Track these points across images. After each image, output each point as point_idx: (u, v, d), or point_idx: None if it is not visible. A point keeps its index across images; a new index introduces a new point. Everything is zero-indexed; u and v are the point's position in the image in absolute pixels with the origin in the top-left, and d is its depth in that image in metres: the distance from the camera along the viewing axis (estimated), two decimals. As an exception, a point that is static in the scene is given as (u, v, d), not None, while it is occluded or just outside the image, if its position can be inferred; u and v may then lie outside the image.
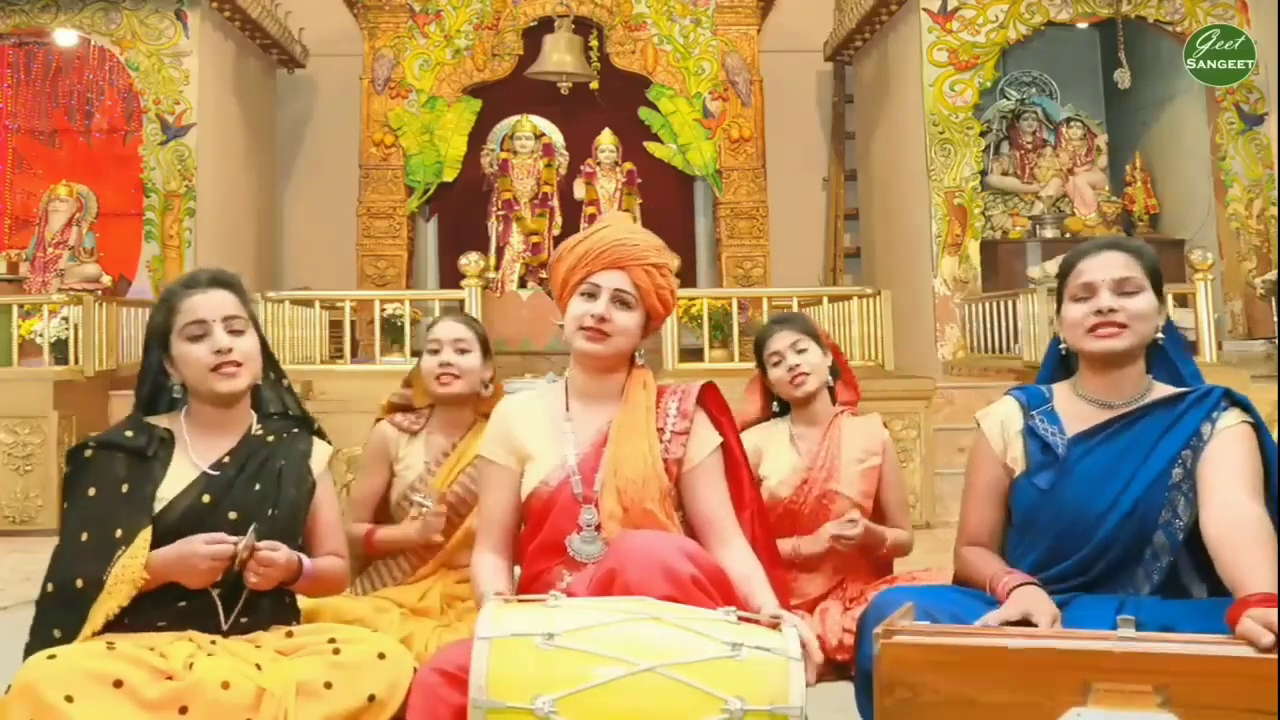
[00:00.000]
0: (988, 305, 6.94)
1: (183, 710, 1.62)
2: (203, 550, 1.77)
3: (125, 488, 1.87)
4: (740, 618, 1.57)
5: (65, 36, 7.77)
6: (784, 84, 8.94)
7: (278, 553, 1.81)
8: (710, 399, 1.99)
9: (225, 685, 1.65)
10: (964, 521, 1.99)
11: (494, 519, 1.96)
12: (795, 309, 6.49)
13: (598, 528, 1.86)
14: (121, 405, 5.73)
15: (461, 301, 6.17)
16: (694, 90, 8.30)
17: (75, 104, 8.29)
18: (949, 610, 1.73)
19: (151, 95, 7.59)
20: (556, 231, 7.83)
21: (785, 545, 2.44)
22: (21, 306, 6.27)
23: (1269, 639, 1.41)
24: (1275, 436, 1.81)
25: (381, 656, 1.74)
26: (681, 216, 8.53)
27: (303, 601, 2.07)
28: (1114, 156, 8.45)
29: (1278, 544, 1.64)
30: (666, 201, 8.21)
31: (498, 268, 7.68)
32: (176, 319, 1.92)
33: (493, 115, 8.32)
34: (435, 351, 2.50)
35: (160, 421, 1.96)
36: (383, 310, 6.78)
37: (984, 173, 7.93)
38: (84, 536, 1.83)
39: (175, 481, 1.89)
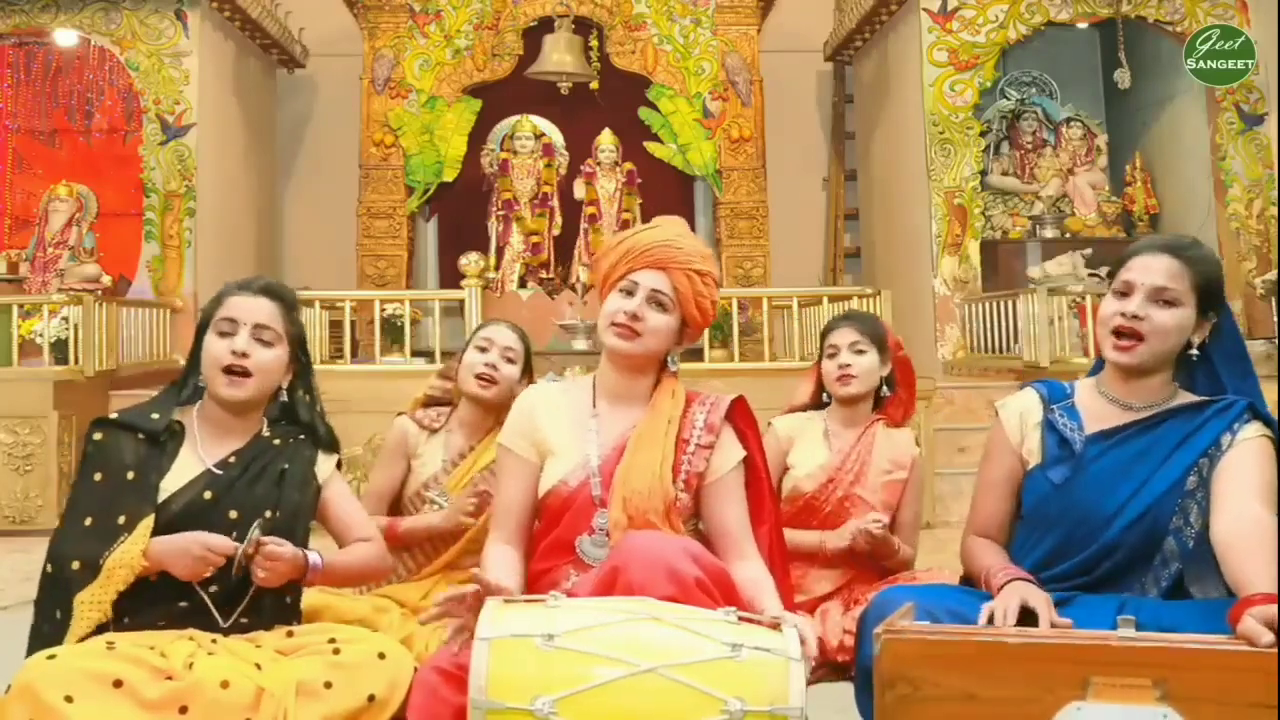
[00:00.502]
0: (988, 305, 6.94)
1: (182, 710, 1.62)
2: (199, 543, 1.78)
3: (131, 475, 1.88)
4: (740, 618, 1.57)
5: (65, 36, 7.77)
6: (784, 84, 8.94)
7: (283, 549, 1.81)
8: (739, 414, 1.97)
9: (225, 685, 1.65)
10: (974, 511, 1.98)
11: (509, 510, 1.94)
12: (795, 309, 6.51)
13: (609, 533, 1.86)
14: (121, 405, 5.71)
15: (461, 302, 6.18)
16: (694, 90, 8.30)
17: (75, 104, 8.28)
18: (949, 609, 1.73)
19: (151, 95, 7.59)
20: (556, 232, 7.83)
21: (811, 538, 2.44)
22: (21, 306, 6.27)
23: (1269, 637, 1.41)
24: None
25: (381, 656, 1.74)
26: (681, 216, 8.43)
27: (303, 601, 2.07)
28: (1114, 156, 8.45)
29: None
30: (666, 201, 8.19)
31: (497, 268, 7.69)
32: (218, 311, 1.96)
33: (493, 115, 8.32)
34: (483, 350, 2.52)
35: (174, 413, 1.97)
36: (383, 310, 6.78)
37: (984, 173, 7.93)
38: (88, 521, 1.85)
39: (179, 475, 1.90)
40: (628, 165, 7.83)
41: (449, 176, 8.31)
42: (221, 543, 1.80)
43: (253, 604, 1.88)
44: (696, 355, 6.42)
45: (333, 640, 1.78)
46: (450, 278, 7.49)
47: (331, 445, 2.07)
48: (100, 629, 1.78)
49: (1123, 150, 8.44)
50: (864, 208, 9.01)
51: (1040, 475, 1.87)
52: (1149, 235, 1.98)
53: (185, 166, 7.58)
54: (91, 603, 1.77)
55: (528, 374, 2.57)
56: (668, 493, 1.86)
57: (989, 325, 6.87)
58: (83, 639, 1.75)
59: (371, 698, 1.69)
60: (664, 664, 1.46)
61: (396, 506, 2.53)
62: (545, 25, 7.97)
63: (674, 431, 1.90)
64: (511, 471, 1.96)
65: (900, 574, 2.49)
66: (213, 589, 1.84)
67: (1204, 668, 1.42)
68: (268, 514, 1.88)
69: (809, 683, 1.53)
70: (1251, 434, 1.77)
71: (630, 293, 1.90)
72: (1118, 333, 1.81)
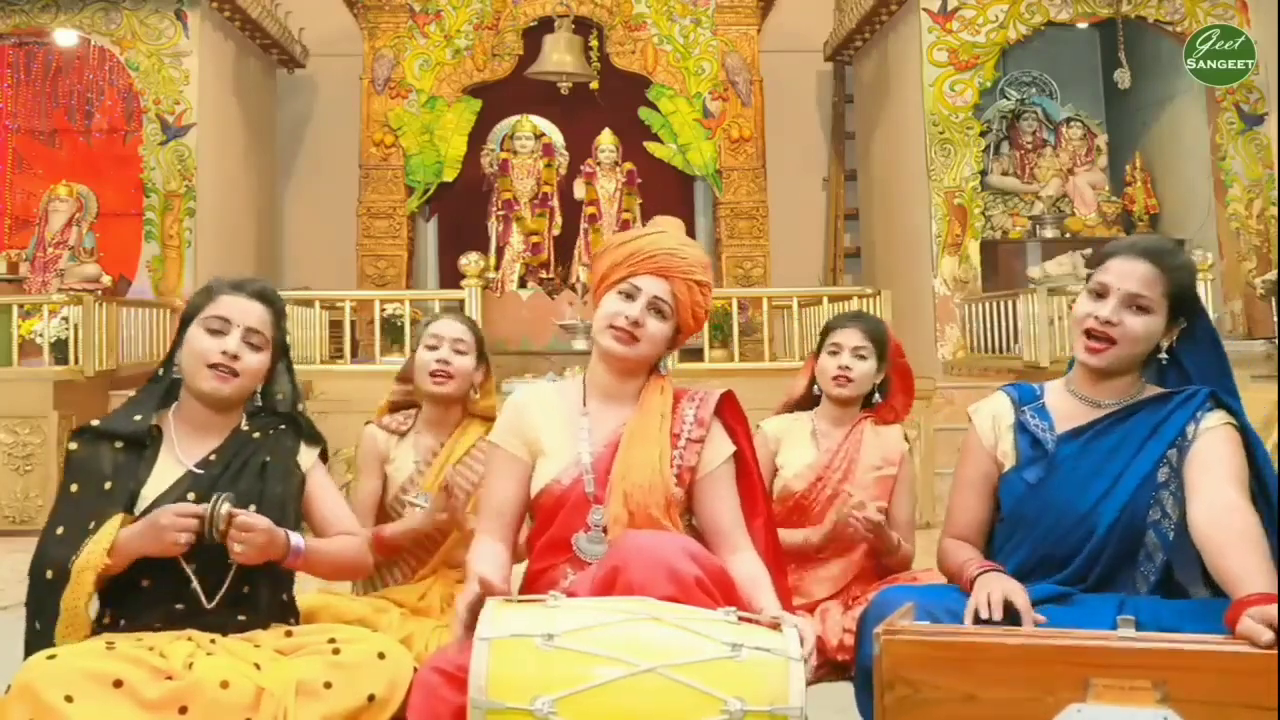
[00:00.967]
0: (988, 305, 6.94)
1: (182, 710, 1.62)
2: (167, 516, 1.76)
3: (108, 485, 1.87)
4: (740, 618, 1.57)
5: (65, 36, 7.77)
6: (784, 84, 8.94)
7: (256, 519, 1.79)
8: (728, 408, 1.98)
9: (225, 685, 1.65)
10: (950, 514, 2.01)
11: (498, 507, 1.94)
12: (795, 309, 6.51)
13: (605, 529, 1.86)
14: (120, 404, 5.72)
15: (461, 301, 6.18)
16: (694, 90, 8.30)
17: (75, 104, 8.29)
18: (949, 609, 1.73)
19: (151, 95, 7.59)
20: (556, 231, 7.83)
21: (796, 536, 2.44)
22: (21, 306, 6.27)
23: (1269, 636, 1.41)
24: (1276, 436, 1.82)
25: (381, 656, 1.74)
26: (681, 216, 8.21)
27: (302, 601, 2.07)
28: (1114, 156, 8.45)
29: (1265, 539, 1.65)
30: (666, 201, 8.19)
31: (498, 268, 7.69)
32: (207, 307, 1.94)
33: (493, 115, 8.32)
34: (433, 348, 2.50)
35: (151, 418, 1.96)
36: (383, 310, 6.78)
37: (984, 173, 7.93)
38: (59, 530, 1.84)
39: (160, 480, 1.89)
40: (628, 165, 7.83)
41: (449, 176, 8.31)
42: (187, 507, 1.77)
43: (249, 599, 1.88)
44: (696, 355, 6.42)
45: (332, 640, 1.78)
46: (450, 278, 7.49)
47: (313, 436, 2.06)
48: (96, 632, 1.78)
49: (1123, 150, 8.44)
50: (864, 208, 9.01)
51: (1015, 477, 1.89)
52: (1131, 236, 1.98)
53: (185, 166, 7.59)
54: (67, 609, 1.77)
55: (483, 362, 2.55)
56: (669, 487, 1.86)
57: (989, 325, 6.87)
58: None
59: (371, 698, 1.69)
60: (664, 664, 1.46)
61: (381, 514, 2.52)
62: (545, 25, 7.97)
63: (667, 426, 1.91)
64: (502, 468, 1.96)
65: (901, 574, 2.49)
66: (193, 566, 1.82)
67: (1204, 669, 1.42)
68: (252, 507, 1.87)
69: (809, 682, 1.53)
70: (1216, 422, 1.80)
71: (630, 296, 1.90)
72: (1089, 334, 1.83)
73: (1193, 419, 1.80)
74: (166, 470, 1.90)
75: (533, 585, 1.90)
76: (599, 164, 7.79)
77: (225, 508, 1.77)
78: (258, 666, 1.72)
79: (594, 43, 7.89)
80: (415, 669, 1.72)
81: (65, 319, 6.06)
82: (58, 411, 5.68)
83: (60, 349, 6.03)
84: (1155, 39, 7.65)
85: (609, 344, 1.91)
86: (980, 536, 1.95)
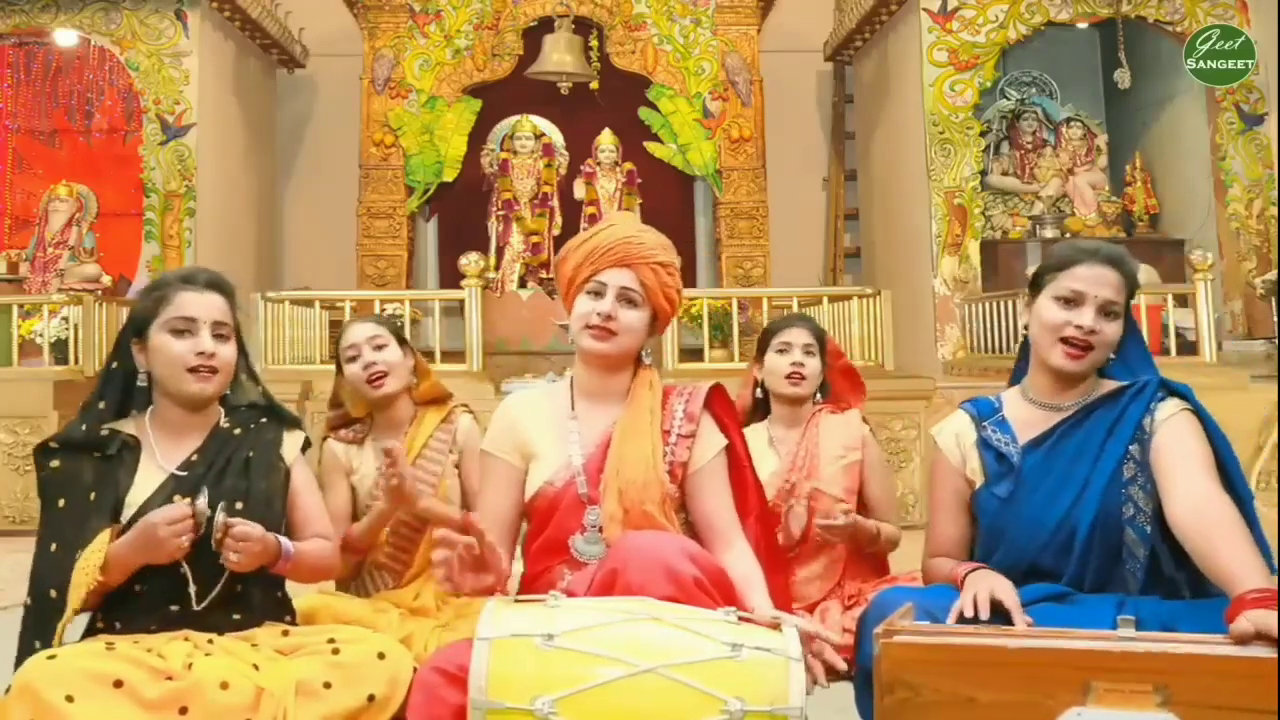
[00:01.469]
0: (988, 305, 6.94)
1: (182, 710, 1.62)
2: (158, 519, 1.75)
3: (93, 496, 1.86)
4: (740, 618, 1.57)
5: (65, 36, 7.76)
6: (784, 84, 8.93)
7: (251, 528, 1.79)
8: (717, 402, 1.98)
9: (224, 685, 1.65)
10: (930, 537, 2.02)
11: (493, 514, 1.94)
12: (796, 309, 6.50)
13: (601, 528, 1.86)
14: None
15: (461, 302, 6.17)
16: (694, 90, 8.29)
17: (75, 104, 8.28)
18: (949, 610, 1.73)
19: (151, 95, 7.59)
20: (556, 231, 7.83)
21: None
22: (21, 306, 6.27)
23: (1250, 632, 1.42)
24: (1276, 436, 1.83)
25: (381, 656, 1.74)
26: (681, 216, 8.51)
27: (301, 601, 2.07)
28: (1114, 156, 8.45)
29: (1245, 525, 1.66)
30: (666, 201, 8.20)
31: (498, 268, 7.68)
32: (164, 310, 1.91)
33: (493, 115, 8.32)
34: (354, 358, 2.48)
35: (125, 427, 1.94)
36: (382, 310, 6.77)
37: (984, 173, 7.92)
38: (53, 547, 1.83)
39: (144, 486, 1.88)
40: (628, 165, 7.82)
41: (449, 176, 8.30)
42: (176, 511, 1.76)
43: (242, 598, 1.87)
44: (697, 355, 6.42)
45: (332, 640, 1.78)
46: (450, 278, 7.48)
47: (294, 423, 2.04)
48: (93, 633, 1.78)
49: (1123, 150, 8.43)
50: (864, 208, 9.01)
51: (986, 493, 1.91)
52: (1084, 241, 2.01)
53: (185, 166, 7.58)
54: (64, 625, 1.76)
55: (405, 345, 2.53)
56: (663, 483, 1.86)
57: (989, 325, 6.87)
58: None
59: (371, 698, 1.69)
60: (664, 664, 1.47)
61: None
62: (545, 25, 7.96)
63: (658, 421, 1.91)
64: (495, 476, 1.96)
65: (901, 575, 2.49)
66: (188, 568, 1.81)
67: (1205, 673, 1.42)
68: (239, 505, 1.86)
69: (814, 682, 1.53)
70: (1172, 410, 1.82)
71: (599, 293, 1.91)
72: (1068, 341, 1.85)
73: (1147, 411, 1.83)
74: (149, 476, 1.89)
75: (530, 588, 1.90)
76: (599, 164, 7.78)
77: (221, 517, 1.77)
78: (257, 667, 1.72)
79: (594, 43, 7.89)
80: (415, 669, 1.72)
81: (65, 319, 6.05)
82: (58, 411, 5.67)
83: (60, 349, 6.03)
84: (1155, 39, 7.65)
85: (589, 344, 1.91)
86: (962, 554, 1.96)
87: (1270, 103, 7.29)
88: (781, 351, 2.57)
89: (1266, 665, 1.40)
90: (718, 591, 1.67)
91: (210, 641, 1.79)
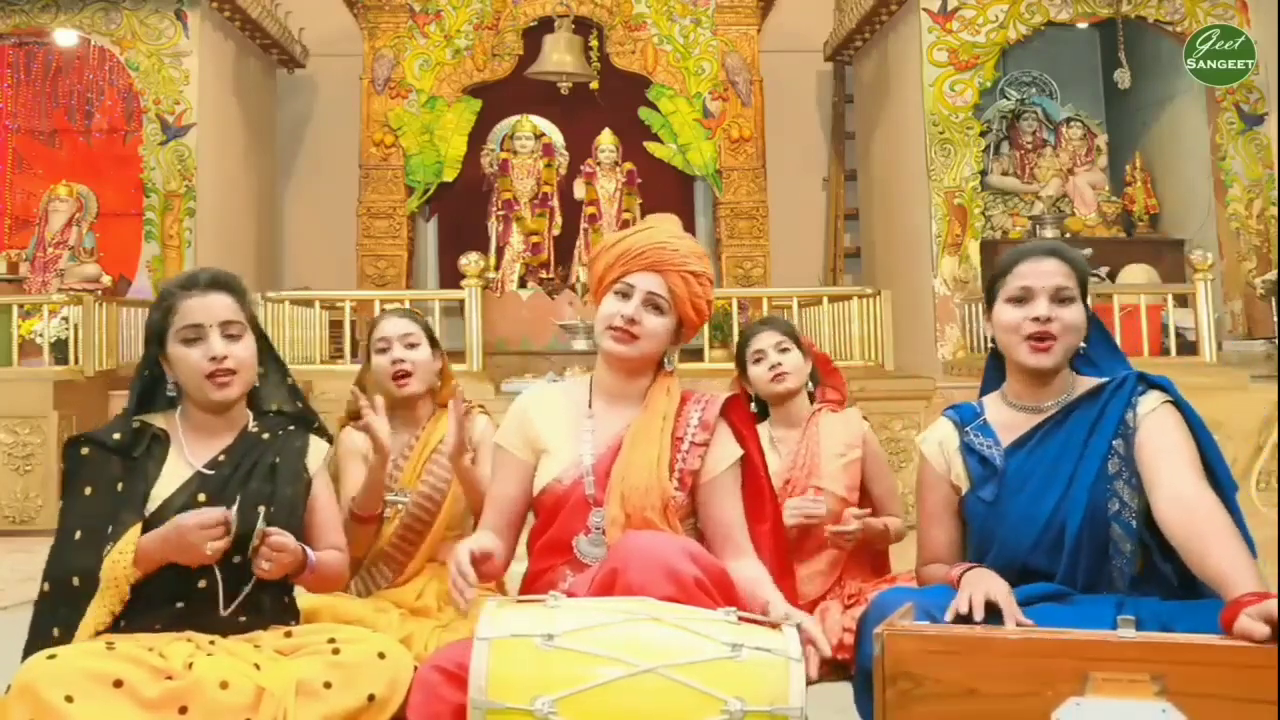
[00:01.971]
0: (988, 305, 6.92)
1: (182, 710, 1.62)
2: (191, 522, 1.75)
3: (120, 487, 1.87)
4: (740, 618, 1.57)
5: (65, 36, 7.76)
6: (784, 84, 8.93)
7: (288, 539, 1.81)
8: (735, 411, 1.97)
9: (224, 685, 1.65)
10: (921, 544, 2.02)
11: (499, 507, 1.95)
12: (795, 309, 6.51)
13: (604, 531, 1.86)
14: (121, 405, 5.72)
15: (461, 302, 6.18)
16: (694, 90, 8.30)
17: (75, 104, 8.28)
18: (948, 609, 1.73)
19: (151, 95, 7.59)
20: (556, 232, 7.83)
21: None
22: (21, 306, 6.26)
23: (1265, 631, 1.42)
24: (1276, 436, 1.83)
25: (381, 656, 1.74)
26: (681, 216, 8.37)
27: (302, 601, 2.07)
28: (1114, 156, 8.45)
29: (1233, 522, 1.67)
30: (666, 201, 8.19)
31: (498, 268, 7.68)
32: (173, 320, 1.91)
33: (493, 115, 8.32)
34: (384, 350, 2.48)
35: (155, 420, 1.96)
36: (383, 310, 6.77)
37: (984, 173, 7.92)
38: (78, 535, 1.83)
39: (169, 481, 1.89)
40: (628, 165, 7.82)
41: (449, 176, 8.30)
42: (211, 515, 1.76)
43: (252, 601, 1.88)
44: (696, 355, 6.42)
45: (332, 640, 1.78)
46: (450, 278, 7.48)
47: (322, 428, 2.06)
48: (98, 632, 1.78)
49: (1123, 150, 8.43)
50: (864, 208, 9.01)
51: (973, 498, 1.91)
52: (1020, 245, 2.02)
53: (185, 166, 7.58)
54: (91, 620, 1.77)
55: (436, 348, 2.54)
56: (665, 490, 1.85)
57: (989, 325, 6.86)
58: None
59: (371, 697, 1.69)
60: (664, 664, 1.46)
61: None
62: (545, 25, 7.96)
63: (669, 428, 1.91)
64: (505, 470, 1.96)
65: (901, 575, 2.50)
66: (217, 576, 1.82)
67: (1203, 663, 1.43)
68: (262, 509, 1.87)
69: (814, 680, 1.53)
70: (1153, 404, 1.83)
71: (626, 295, 1.90)
72: (1030, 337, 1.86)
73: (1129, 406, 1.83)
74: (176, 471, 1.90)
75: (532, 586, 1.90)
76: (599, 164, 7.78)
77: (261, 525, 1.78)
78: (258, 667, 1.72)
79: (594, 43, 7.89)
80: (415, 668, 1.72)
81: (65, 319, 6.05)
82: (58, 411, 5.67)
83: (60, 349, 6.03)
84: (1155, 39, 7.65)
85: (609, 345, 1.91)
86: (954, 559, 1.97)
87: (1270, 103, 7.29)
88: (757, 360, 2.61)
89: (1263, 655, 1.40)
90: (719, 591, 1.67)
91: (212, 643, 1.79)
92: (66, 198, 7.65)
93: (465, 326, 6.09)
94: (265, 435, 1.98)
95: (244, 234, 8.34)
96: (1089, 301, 1.93)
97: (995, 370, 2.03)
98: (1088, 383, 1.91)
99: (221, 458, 1.93)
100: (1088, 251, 7.05)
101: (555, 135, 8.18)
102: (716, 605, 1.62)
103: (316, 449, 2.03)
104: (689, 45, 8.34)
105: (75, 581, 1.79)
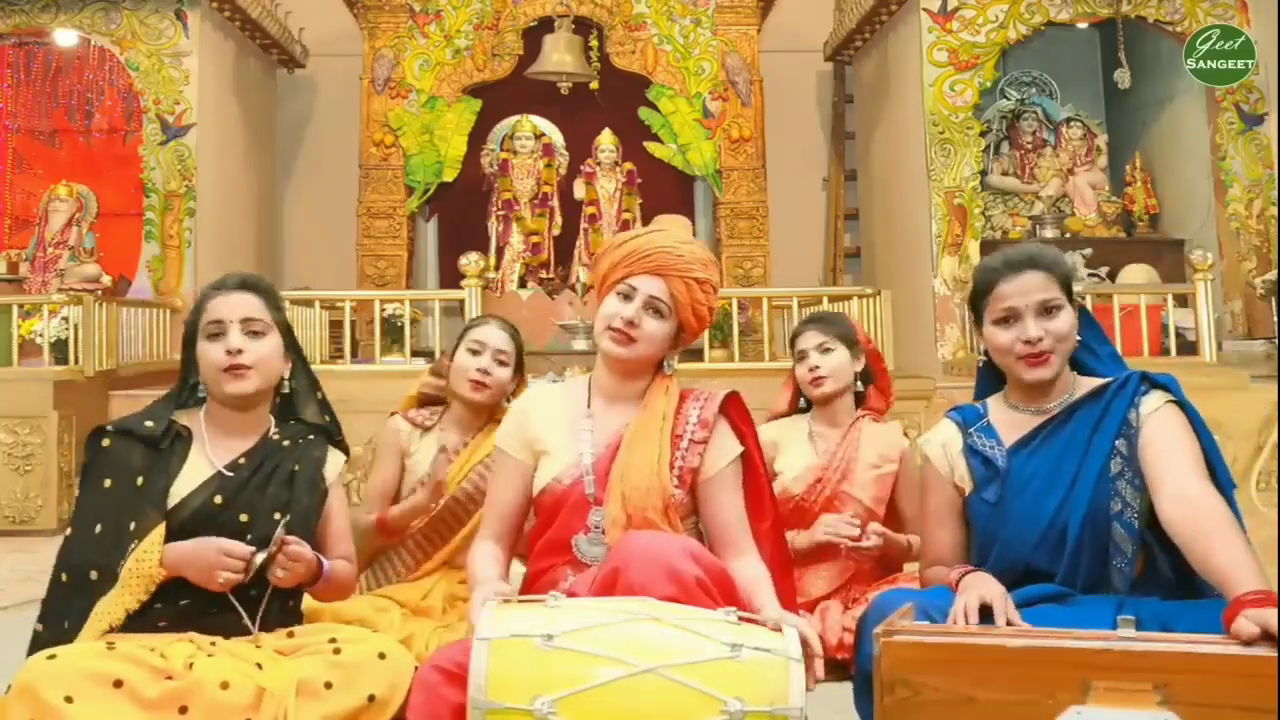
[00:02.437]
0: (988, 305, 6.92)
1: (183, 710, 1.62)
2: (216, 546, 1.78)
3: (140, 481, 1.87)
4: (740, 618, 1.57)
5: (65, 36, 7.76)
6: (784, 84, 8.93)
7: (305, 548, 1.82)
8: (733, 408, 1.97)
9: (225, 685, 1.65)
10: (926, 547, 2.03)
11: (500, 510, 1.95)
12: (795, 309, 6.51)
13: (604, 530, 1.86)
14: (121, 405, 5.72)
15: (461, 302, 6.17)
16: (694, 90, 8.29)
17: (75, 104, 8.28)
18: (948, 611, 1.73)
19: (151, 95, 7.59)
20: (556, 232, 7.83)
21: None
22: (21, 306, 6.27)
23: (1254, 632, 1.42)
24: (1276, 436, 1.83)
25: (382, 656, 1.74)
26: (682, 216, 8.51)
27: (304, 602, 2.07)
28: (1114, 156, 8.44)
29: (1237, 521, 1.67)
30: (666, 201, 8.18)
31: (498, 268, 7.68)
32: (202, 318, 1.95)
33: (493, 115, 8.31)
34: (476, 353, 2.50)
35: (180, 417, 1.97)
36: (383, 310, 6.77)
37: (984, 173, 7.92)
38: (98, 528, 1.84)
39: (189, 479, 1.89)
40: (628, 165, 7.82)
41: (449, 176, 8.30)
42: (236, 547, 1.79)
43: (260, 606, 1.88)
44: (696, 355, 6.41)
45: (333, 640, 1.78)
46: (450, 278, 7.48)
47: (341, 446, 2.07)
48: (108, 630, 1.78)
49: (1123, 150, 8.43)
50: (864, 208, 9.01)
51: (976, 499, 1.91)
52: (992, 259, 2.00)
53: (185, 166, 7.58)
54: (105, 613, 1.77)
55: (519, 373, 2.56)
56: (666, 489, 1.85)
57: (989, 325, 6.85)
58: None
59: (372, 698, 1.69)
60: (664, 664, 1.46)
61: (394, 504, 2.52)
62: (545, 25, 7.96)
63: (668, 427, 1.90)
64: (505, 472, 1.96)
65: (901, 575, 2.49)
66: (235, 596, 1.84)
67: (1204, 671, 1.42)
68: (277, 516, 1.88)
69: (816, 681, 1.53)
70: (1156, 404, 1.82)
71: (628, 297, 1.90)
72: (1025, 356, 1.86)
73: (1132, 405, 1.83)
74: (196, 469, 1.91)
75: (532, 586, 1.90)
76: (599, 164, 7.78)
77: (280, 532, 1.79)
78: (259, 666, 1.72)
79: (594, 43, 7.88)
80: (415, 669, 1.72)
81: (65, 319, 6.06)
82: (58, 411, 5.68)
83: (60, 349, 6.03)
84: (1155, 39, 7.65)
85: (608, 346, 1.90)
86: (958, 561, 1.96)
87: (1270, 103, 7.29)
88: (800, 359, 2.58)
89: (1265, 664, 1.40)
90: (719, 591, 1.67)
91: (213, 643, 1.79)
92: (66, 198, 7.65)
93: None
94: (286, 442, 1.99)
95: (244, 234, 8.34)
96: (1075, 297, 1.92)
97: (987, 377, 2.03)
98: (1089, 383, 1.91)
99: (242, 460, 1.94)
100: (1087, 251, 7.08)
101: (555, 135, 8.17)
102: (717, 605, 1.62)
103: (335, 460, 2.05)
104: (689, 45, 8.34)
105: (93, 575, 1.81)
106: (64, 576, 1.84)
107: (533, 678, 1.47)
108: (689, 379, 2.11)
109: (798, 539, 2.44)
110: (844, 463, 2.52)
